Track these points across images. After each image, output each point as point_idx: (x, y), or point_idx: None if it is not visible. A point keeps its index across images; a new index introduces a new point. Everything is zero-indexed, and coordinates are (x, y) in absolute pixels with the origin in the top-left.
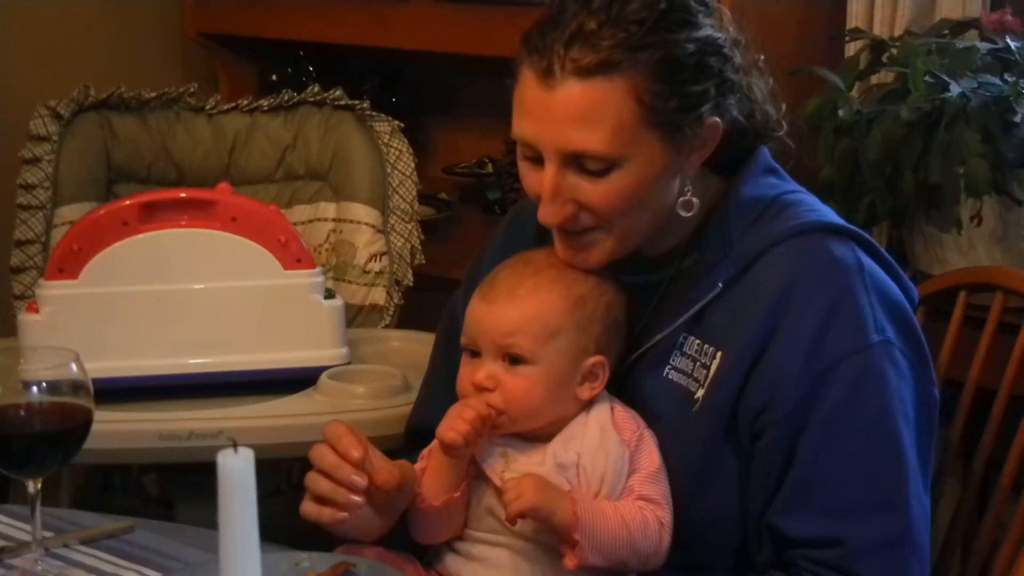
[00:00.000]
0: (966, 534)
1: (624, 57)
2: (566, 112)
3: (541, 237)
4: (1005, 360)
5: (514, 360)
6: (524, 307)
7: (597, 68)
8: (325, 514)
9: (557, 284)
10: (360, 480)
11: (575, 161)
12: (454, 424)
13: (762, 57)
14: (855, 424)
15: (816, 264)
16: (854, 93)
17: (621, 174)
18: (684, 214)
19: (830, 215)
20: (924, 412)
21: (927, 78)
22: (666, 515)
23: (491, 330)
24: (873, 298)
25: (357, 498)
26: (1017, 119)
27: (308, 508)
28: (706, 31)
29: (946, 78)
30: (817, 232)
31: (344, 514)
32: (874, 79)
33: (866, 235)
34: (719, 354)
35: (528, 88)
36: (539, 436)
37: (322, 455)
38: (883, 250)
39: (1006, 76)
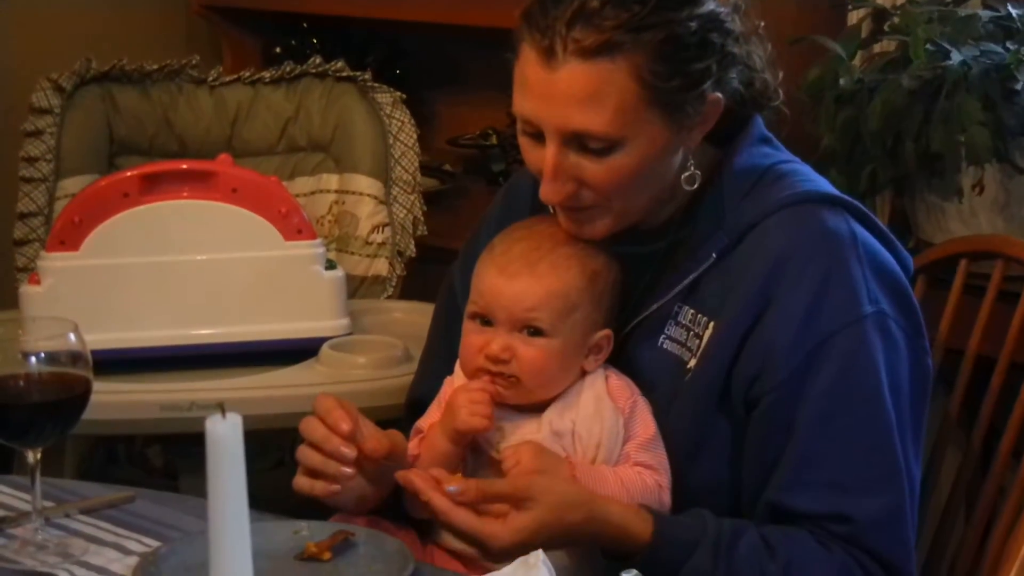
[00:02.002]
0: (967, 501)
1: (627, 38)
2: (568, 93)
3: (535, 209)
4: (1005, 328)
5: (532, 332)
6: (547, 282)
7: (600, 49)
8: (317, 487)
9: (575, 260)
10: (350, 452)
11: (577, 140)
12: (476, 410)
13: (762, 24)
14: (850, 399)
15: (809, 235)
16: (856, 62)
17: (623, 153)
18: (687, 188)
19: (823, 185)
20: (917, 382)
21: (928, 46)
22: (664, 479)
23: (512, 304)
24: (866, 268)
25: (348, 469)
26: (1018, 87)
27: (300, 482)
28: (708, 6)
29: (947, 46)
30: (810, 203)
31: (336, 486)
32: (876, 48)
33: (858, 204)
34: (712, 324)
35: (530, 66)
36: (533, 407)
37: (312, 428)
38: (876, 219)
39: (1008, 44)
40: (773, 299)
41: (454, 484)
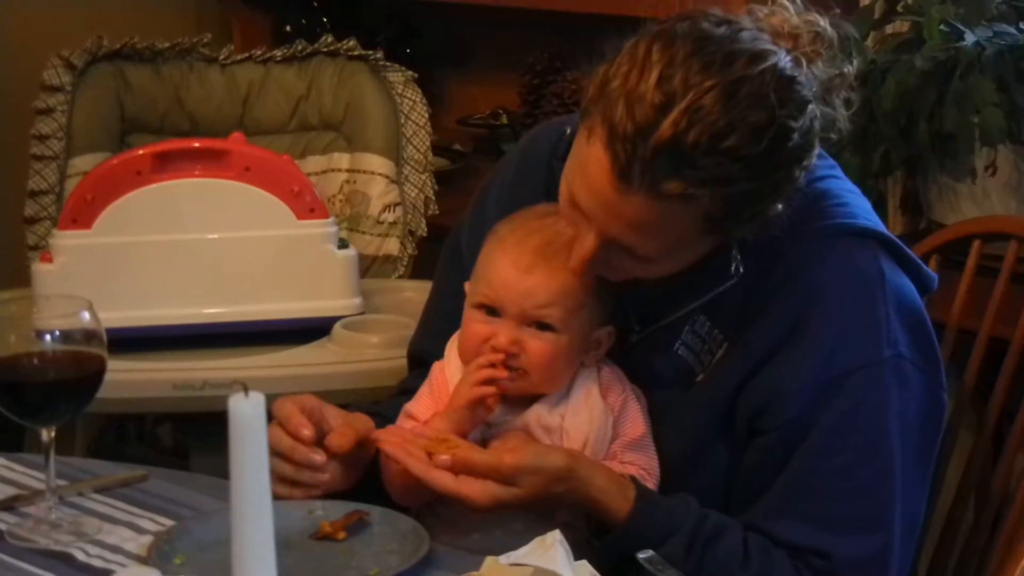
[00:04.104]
0: (979, 482)
1: (709, 192)
2: (631, 219)
3: (551, 177)
4: (1019, 309)
5: (541, 326)
6: (561, 280)
7: (679, 196)
8: (296, 495)
9: None
10: (319, 458)
11: (622, 246)
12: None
13: (846, 69)
14: (852, 440)
15: (837, 275)
16: (869, 43)
17: (667, 261)
18: (732, 278)
19: (856, 209)
20: (929, 420)
21: (942, 27)
22: (648, 483)
23: (523, 299)
24: (890, 308)
25: (322, 476)
26: None
27: (279, 491)
28: (796, 139)
29: (961, 27)
30: (841, 236)
31: (316, 491)
32: (889, 29)
33: (886, 233)
34: (725, 345)
35: (596, 165)
36: (522, 400)
37: (277, 439)
38: (903, 246)
39: (1021, 25)
40: (793, 337)
41: (443, 455)
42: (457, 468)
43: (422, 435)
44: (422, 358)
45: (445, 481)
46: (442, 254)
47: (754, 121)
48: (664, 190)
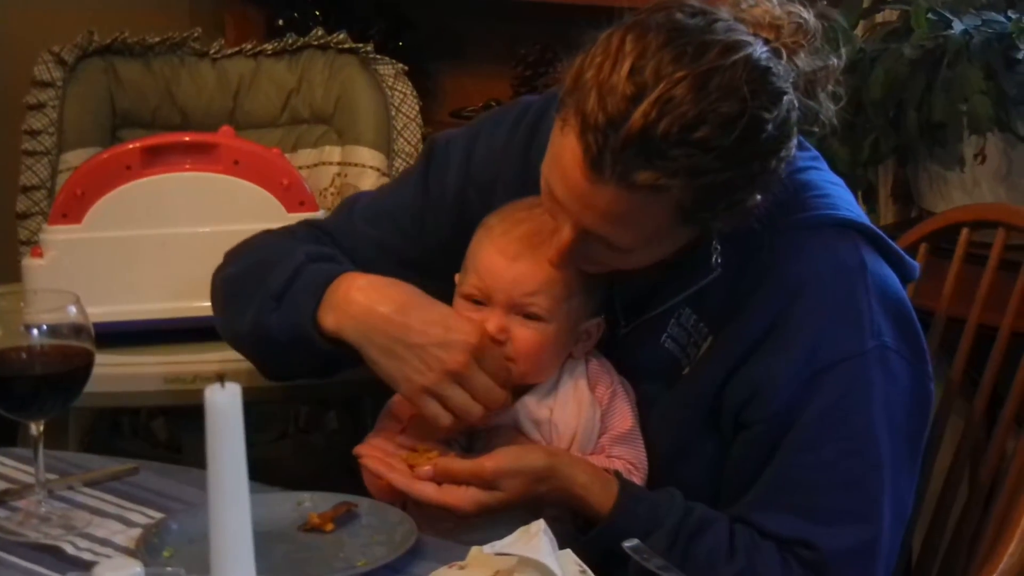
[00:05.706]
0: (970, 469)
1: (679, 183)
2: (605, 209)
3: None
4: (1007, 297)
5: (528, 315)
6: (548, 269)
7: (650, 187)
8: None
9: None
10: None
11: (597, 237)
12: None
13: (832, 62)
14: (838, 432)
15: (819, 267)
16: (857, 31)
17: (643, 253)
18: (714, 269)
19: (838, 200)
20: (917, 410)
21: (930, 15)
22: (637, 473)
23: (510, 287)
24: (873, 299)
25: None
26: (1020, 56)
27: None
28: (770, 130)
29: (949, 15)
30: (823, 228)
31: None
32: (877, 17)
33: (868, 224)
34: (710, 338)
35: (569, 156)
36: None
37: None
38: (883, 236)
39: (1009, 13)
40: (776, 329)
41: (424, 466)
42: (439, 477)
43: (403, 447)
44: (331, 234)
45: (429, 492)
46: (419, 159)
47: (725, 112)
48: (635, 181)
